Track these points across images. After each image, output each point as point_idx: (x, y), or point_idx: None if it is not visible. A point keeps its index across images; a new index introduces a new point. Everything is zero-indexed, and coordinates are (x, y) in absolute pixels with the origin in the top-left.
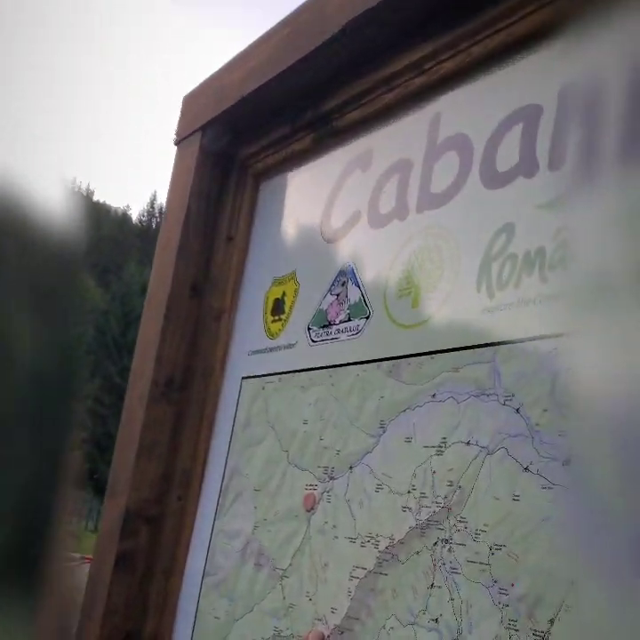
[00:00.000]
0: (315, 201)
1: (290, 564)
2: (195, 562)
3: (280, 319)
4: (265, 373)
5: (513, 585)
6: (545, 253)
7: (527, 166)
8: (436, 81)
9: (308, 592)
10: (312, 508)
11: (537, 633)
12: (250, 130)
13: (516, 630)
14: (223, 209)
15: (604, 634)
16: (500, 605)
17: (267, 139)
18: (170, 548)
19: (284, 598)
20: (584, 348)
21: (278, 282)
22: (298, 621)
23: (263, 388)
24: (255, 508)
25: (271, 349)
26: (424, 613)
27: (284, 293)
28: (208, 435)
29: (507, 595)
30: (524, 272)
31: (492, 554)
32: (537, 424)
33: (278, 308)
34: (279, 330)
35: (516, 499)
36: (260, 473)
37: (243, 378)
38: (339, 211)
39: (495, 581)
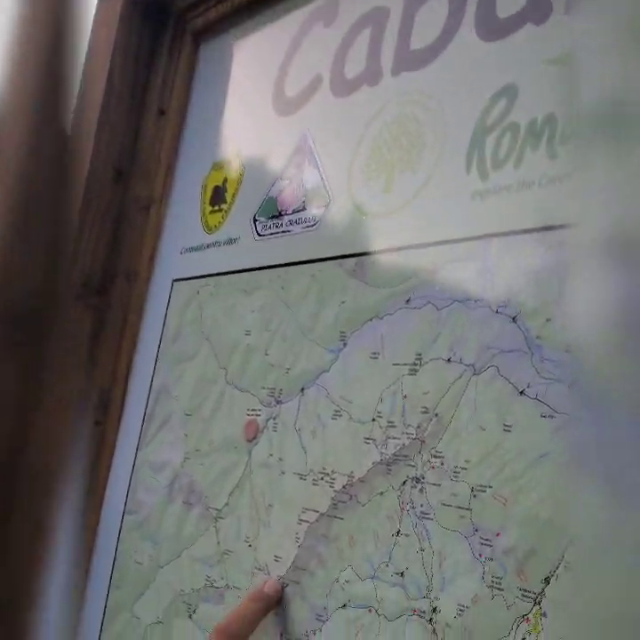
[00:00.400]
0: (266, 66)
1: (226, 504)
2: (114, 497)
3: (220, 210)
4: (200, 275)
5: (498, 534)
6: (556, 122)
7: (537, 9)
8: None
9: (247, 537)
10: (254, 438)
11: (527, 594)
12: None
13: (501, 589)
14: (154, 74)
15: (613, 597)
16: (482, 559)
17: None
18: (85, 483)
19: (219, 543)
20: (600, 240)
21: (219, 166)
22: (234, 570)
23: (198, 293)
24: (186, 435)
25: (208, 246)
26: (387, 566)
27: (225, 179)
28: (131, 348)
29: (490, 546)
30: (527, 146)
31: (474, 496)
32: (538, 337)
33: (218, 196)
34: (219, 222)
35: (507, 429)
36: (191, 394)
37: (174, 280)
38: (294, 76)
39: (476, 530)
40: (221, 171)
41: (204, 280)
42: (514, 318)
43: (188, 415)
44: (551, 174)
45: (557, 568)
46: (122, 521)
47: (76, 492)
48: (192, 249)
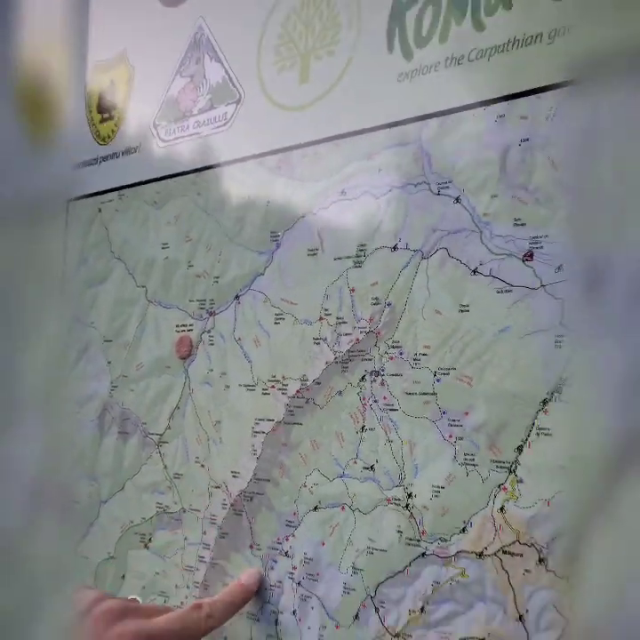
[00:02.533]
0: None
1: (168, 427)
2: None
3: (111, 117)
4: (99, 191)
5: (467, 414)
6: None
7: None
8: None
9: (197, 457)
10: (189, 354)
11: (501, 464)
12: None
13: (474, 465)
14: None
15: (590, 457)
16: (452, 440)
17: None
18: None
19: (165, 468)
20: (537, 114)
21: (103, 67)
22: (188, 493)
23: (99, 211)
24: (109, 363)
25: (104, 159)
26: (355, 462)
27: (112, 82)
28: None
29: (460, 426)
30: (451, 19)
31: (438, 380)
32: (485, 214)
33: (107, 101)
34: (112, 131)
35: (463, 309)
36: (109, 319)
37: (68, 200)
38: None
39: (444, 413)
40: (106, 73)
41: (104, 196)
42: (457, 198)
43: (108, 341)
44: (481, 47)
45: (529, 435)
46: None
47: None
48: (85, 163)
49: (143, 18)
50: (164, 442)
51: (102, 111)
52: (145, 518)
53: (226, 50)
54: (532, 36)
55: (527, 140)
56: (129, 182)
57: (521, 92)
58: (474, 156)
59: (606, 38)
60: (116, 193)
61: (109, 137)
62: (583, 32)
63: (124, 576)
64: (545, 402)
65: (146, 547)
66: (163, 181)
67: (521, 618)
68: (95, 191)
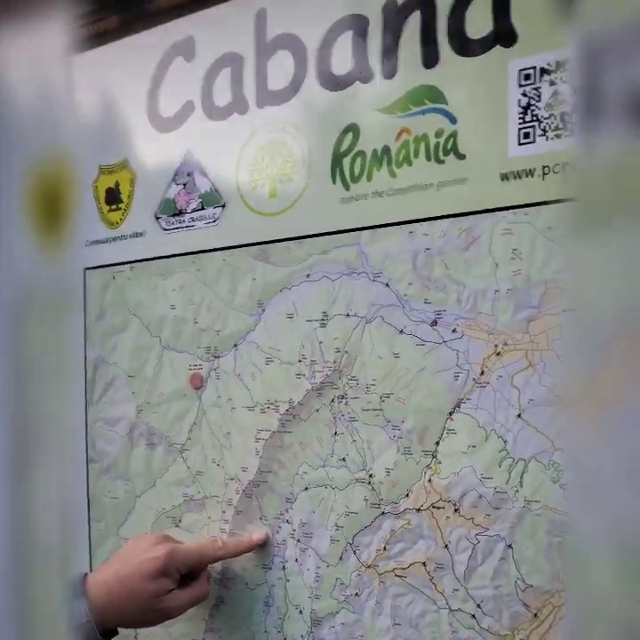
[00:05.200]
0: (134, 87)
1: (188, 439)
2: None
3: (119, 208)
4: (111, 263)
5: (403, 422)
6: (390, 152)
7: (363, 72)
8: None
9: (213, 459)
10: (201, 386)
11: (427, 452)
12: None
13: (411, 454)
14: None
15: (481, 453)
16: (395, 438)
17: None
18: None
19: (189, 468)
20: (433, 233)
21: (108, 170)
22: (209, 484)
23: (114, 278)
24: (133, 393)
25: (114, 239)
26: (332, 456)
27: (117, 182)
28: None
29: (399, 430)
30: (374, 167)
31: (383, 401)
32: (405, 295)
33: (113, 197)
34: (119, 219)
35: (396, 356)
36: (130, 360)
37: (85, 268)
38: (167, 100)
39: (388, 421)
40: (112, 175)
41: (116, 267)
42: (387, 284)
43: (131, 376)
44: (394, 188)
45: (442, 434)
46: (87, 470)
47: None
48: (97, 242)
49: (140, 138)
50: (186, 449)
51: (109, 203)
52: (174, 505)
53: (210, 169)
54: (425, 185)
55: (428, 249)
56: (138, 258)
57: (422, 219)
58: (395, 257)
59: None
60: (127, 265)
61: (117, 223)
62: None
63: None
64: (451, 413)
65: (177, 526)
66: (167, 259)
67: (446, 546)
68: (108, 263)
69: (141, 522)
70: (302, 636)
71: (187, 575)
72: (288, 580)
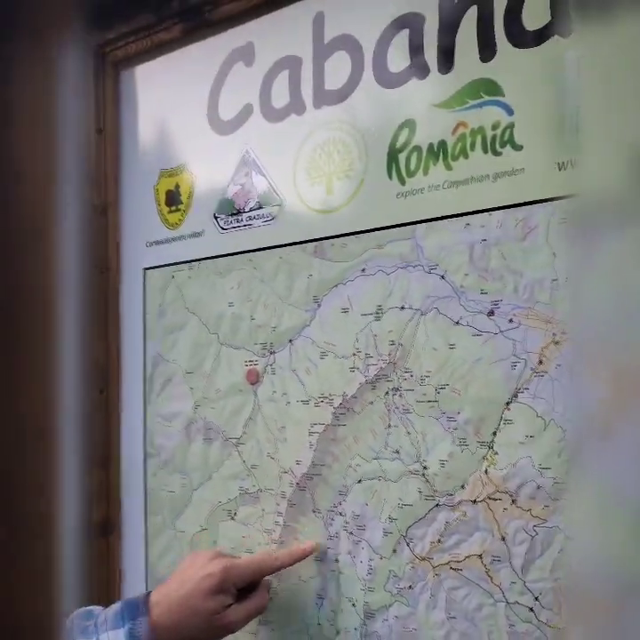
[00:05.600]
0: (194, 92)
1: (243, 433)
2: (132, 448)
3: (178, 209)
4: (171, 263)
5: (459, 413)
6: (447, 146)
7: (419, 69)
8: None
9: (268, 452)
10: (257, 382)
11: (483, 443)
12: (106, 15)
13: (466, 445)
14: (86, 100)
15: (539, 443)
16: (451, 430)
17: (127, 26)
18: (101, 439)
19: (244, 462)
20: (489, 224)
21: (168, 174)
22: (263, 477)
23: (173, 277)
24: (191, 389)
25: (174, 239)
26: (385, 448)
27: (177, 185)
28: (116, 329)
29: (455, 421)
30: (430, 161)
31: (438, 393)
32: (461, 286)
33: (173, 198)
34: (179, 220)
35: (451, 347)
36: (189, 357)
37: (145, 269)
38: (227, 103)
39: (443, 413)
40: (172, 177)
41: (175, 267)
42: (442, 276)
43: (189, 373)
44: (451, 181)
45: (499, 425)
46: (144, 465)
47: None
48: (157, 242)
49: (200, 140)
50: (241, 443)
51: (170, 205)
52: (230, 498)
53: (268, 169)
54: (481, 177)
55: (485, 240)
56: (196, 257)
57: (478, 210)
58: (450, 250)
59: None
60: (186, 265)
61: (177, 224)
62: None
63: (215, 542)
64: (508, 403)
65: (232, 519)
66: (225, 258)
67: (503, 539)
68: (168, 263)
69: (197, 515)
70: (355, 629)
71: (245, 588)
72: (341, 573)
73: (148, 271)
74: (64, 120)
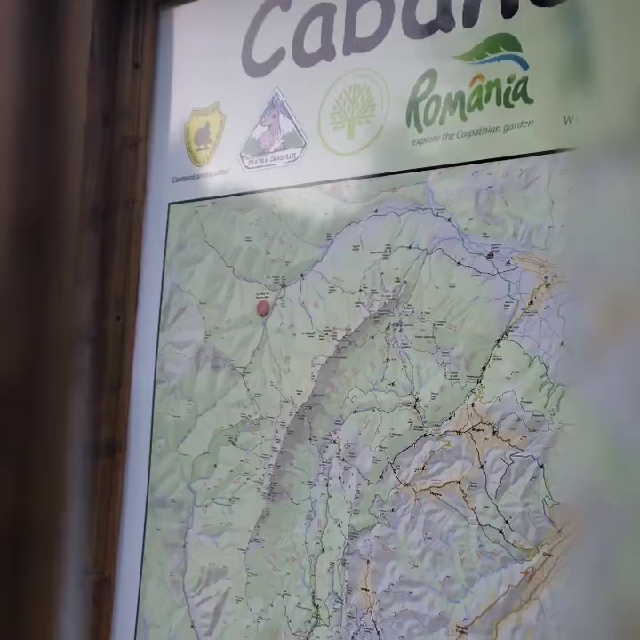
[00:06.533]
0: (231, 35)
1: (250, 362)
2: (143, 373)
3: (207, 148)
4: (195, 198)
5: (453, 348)
6: (463, 96)
7: (445, 22)
8: None
9: (271, 382)
10: (266, 313)
11: (472, 378)
12: None
13: (457, 379)
14: (125, 36)
15: (524, 378)
16: (444, 364)
17: None
18: (115, 364)
19: (248, 390)
20: (496, 172)
21: (200, 112)
22: (265, 406)
23: (196, 212)
24: (203, 319)
25: (199, 176)
26: (382, 381)
27: (207, 123)
28: (137, 259)
29: (448, 356)
30: (447, 111)
31: (435, 328)
32: (465, 229)
33: (203, 137)
34: (207, 158)
35: (451, 286)
36: (204, 288)
37: (170, 203)
38: (261, 47)
39: (439, 348)
40: (203, 117)
41: (199, 202)
42: (449, 219)
43: (202, 303)
44: (464, 131)
45: (489, 360)
46: (154, 390)
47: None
48: (184, 178)
49: (233, 81)
50: (248, 372)
51: (198, 143)
52: (232, 425)
53: (295, 111)
54: (493, 128)
55: (491, 187)
56: (220, 194)
57: (487, 159)
58: (458, 195)
59: None
60: (209, 201)
61: (204, 161)
62: None
63: (216, 465)
64: (498, 340)
65: (233, 444)
66: (246, 195)
67: (482, 466)
68: (192, 198)
69: (200, 440)
70: (339, 548)
71: None
72: (330, 497)
73: (172, 206)
74: (103, 52)
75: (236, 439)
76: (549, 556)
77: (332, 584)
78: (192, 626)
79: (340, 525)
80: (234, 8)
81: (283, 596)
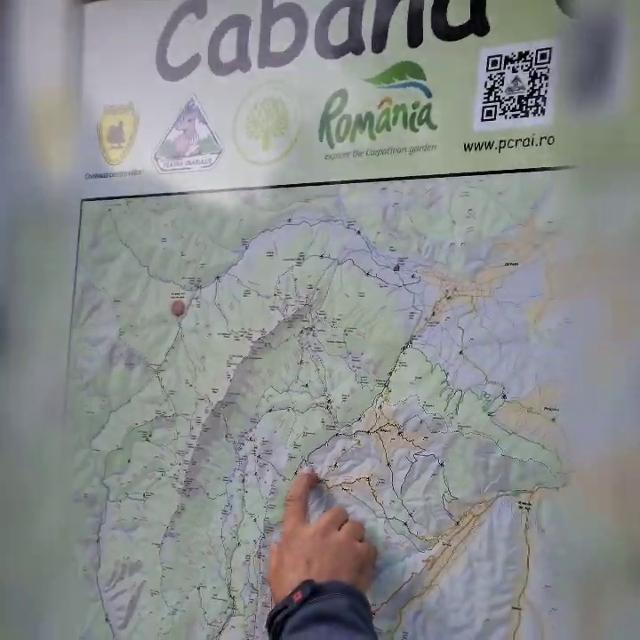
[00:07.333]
0: (145, 37)
1: (164, 360)
2: (54, 369)
3: (120, 147)
4: (109, 196)
5: (362, 354)
6: (373, 118)
7: (356, 45)
8: None
9: (187, 380)
10: (182, 313)
11: (380, 382)
12: None
13: (366, 383)
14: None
15: (426, 383)
16: (354, 368)
17: None
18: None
19: (163, 387)
20: (402, 190)
21: (113, 110)
22: (180, 403)
23: (110, 210)
24: (117, 316)
25: (113, 174)
26: (296, 382)
27: (121, 122)
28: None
29: (358, 361)
30: (357, 130)
31: (346, 334)
32: (374, 242)
33: (116, 135)
34: (121, 157)
35: (361, 295)
36: (118, 286)
37: (82, 200)
38: (176, 51)
39: (349, 353)
40: (116, 115)
41: (113, 201)
42: (359, 231)
43: (117, 301)
44: (373, 149)
45: (395, 366)
46: (66, 385)
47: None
48: (97, 176)
49: (147, 83)
50: (162, 370)
51: (111, 141)
52: (146, 421)
53: (211, 118)
54: (400, 148)
55: (397, 203)
56: (134, 194)
57: (394, 177)
58: (367, 209)
59: None
60: (123, 200)
61: (117, 160)
62: None
63: (129, 460)
64: (404, 348)
65: (147, 440)
66: (162, 197)
67: (389, 464)
68: (106, 196)
69: (113, 435)
70: (254, 541)
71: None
72: (246, 492)
73: (85, 202)
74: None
75: (150, 435)
76: (448, 545)
77: (248, 576)
78: (106, 619)
79: (255, 520)
80: (149, 9)
81: (198, 588)
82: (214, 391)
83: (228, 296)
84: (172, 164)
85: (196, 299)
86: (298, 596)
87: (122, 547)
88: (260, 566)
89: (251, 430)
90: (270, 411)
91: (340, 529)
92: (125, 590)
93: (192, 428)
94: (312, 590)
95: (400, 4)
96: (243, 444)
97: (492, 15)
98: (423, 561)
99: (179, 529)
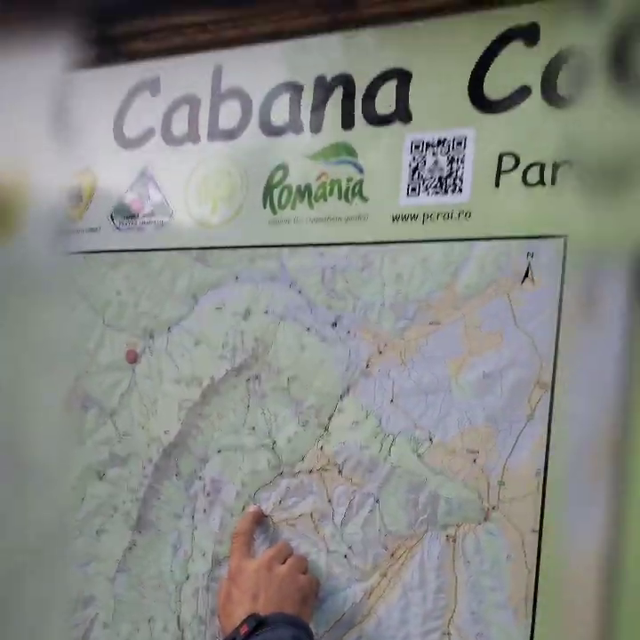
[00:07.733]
0: (103, 108)
1: (119, 403)
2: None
3: (78, 207)
4: (69, 252)
5: (304, 401)
6: (311, 189)
7: (295, 126)
8: (217, 40)
9: (139, 423)
10: (135, 361)
11: (320, 426)
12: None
13: (308, 427)
14: None
15: (362, 428)
16: (297, 413)
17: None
18: None
19: (117, 429)
20: (338, 255)
21: (73, 173)
22: (133, 444)
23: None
24: (74, 363)
25: (73, 231)
26: (243, 426)
27: (79, 184)
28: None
29: (301, 406)
30: (297, 200)
31: (289, 383)
32: (313, 301)
33: (75, 196)
34: (79, 215)
35: (302, 348)
36: (74, 335)
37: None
38: (132, 123)
39: (293, 400)
40: (74, 178)
41: (71, 256)
42: (300, 291)
43: (74, 348)
44: (312, 217)
45: (334, 412)
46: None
47: None
48: (59, 233)
49: (105, 150)
50: (116, 413)
51: (71, 201)
52: (100, 461)
53: (163, 184)
54: (336, 217)
55: (334, 266)
56: (91, 249)
57: (331, 243)
58: (308, 271)
59: None
60: (81, 255)
61: (78, 219)
62: None
63: (83, 499)
64: (341, 396)
65: (100, 479)
66: (117, 253)
67: (330, 501)
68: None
69: (67, 476)
70: (203, 575)
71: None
72: (196, 528)
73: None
74: None
75: (104, 474)
76: (384, 576)
77: (197, 608)
78: None
79: (204, 554)
80: (107, 85)
81: (149, 621)
82: (166, 433)
83: (180, 346)
84: (127, 223)
85: (149, 347)
86: (244, 629)
87: (76, 581)
88: (208, 599)
89: (200, 469)
90: (219, 451)
91: (284, 563)
92: (79, 624)
93: (144, 467)
94: (257, 623)
95: (334, 91)
96: (193, 482)
97: (414, 106)
98: (362, 591)
99: (131, 564)
